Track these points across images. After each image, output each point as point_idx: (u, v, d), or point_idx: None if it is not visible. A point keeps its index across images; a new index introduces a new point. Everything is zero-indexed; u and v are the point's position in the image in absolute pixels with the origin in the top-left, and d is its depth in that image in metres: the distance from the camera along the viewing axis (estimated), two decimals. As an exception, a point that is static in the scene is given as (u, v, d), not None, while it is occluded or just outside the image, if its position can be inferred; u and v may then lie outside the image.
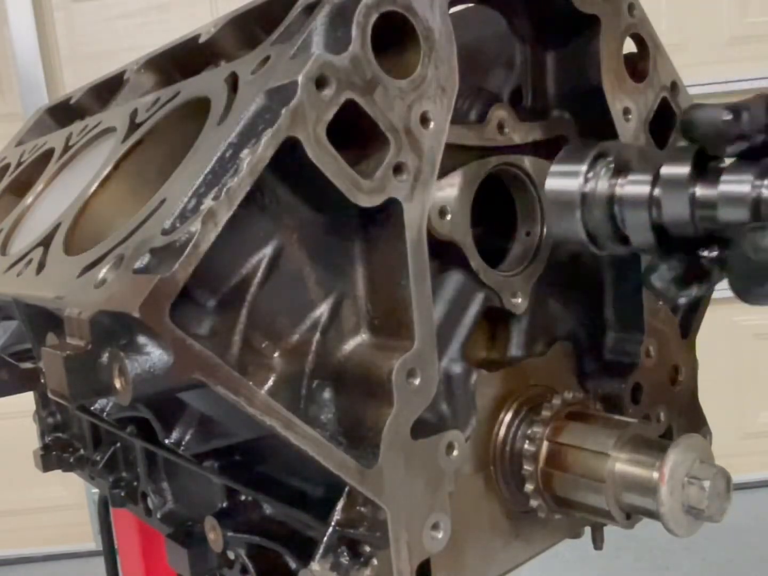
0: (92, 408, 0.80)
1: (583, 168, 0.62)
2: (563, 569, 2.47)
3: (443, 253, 0.65)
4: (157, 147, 0.73)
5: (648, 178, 0.59)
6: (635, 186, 0.60)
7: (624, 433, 0.64)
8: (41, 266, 0.65)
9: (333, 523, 0.58)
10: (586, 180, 0.62)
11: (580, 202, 0.62)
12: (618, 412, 0.75)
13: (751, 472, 3.11)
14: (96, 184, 0.74)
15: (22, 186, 0.95)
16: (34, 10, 2.84)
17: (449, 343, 0.67)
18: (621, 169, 0.61)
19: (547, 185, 0.64)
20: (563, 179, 0.63)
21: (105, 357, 0.48)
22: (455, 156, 0.65)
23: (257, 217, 0.57)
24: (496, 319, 0.72)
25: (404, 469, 0.58)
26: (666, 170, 0.58)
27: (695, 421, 0.84)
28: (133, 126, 0.78)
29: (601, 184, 0.62)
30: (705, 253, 0.59)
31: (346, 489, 0.58)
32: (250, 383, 0.51)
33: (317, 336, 0.60)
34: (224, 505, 0.75)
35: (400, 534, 0.58)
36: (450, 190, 0.65)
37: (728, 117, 0.54)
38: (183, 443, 0.68)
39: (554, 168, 0.64)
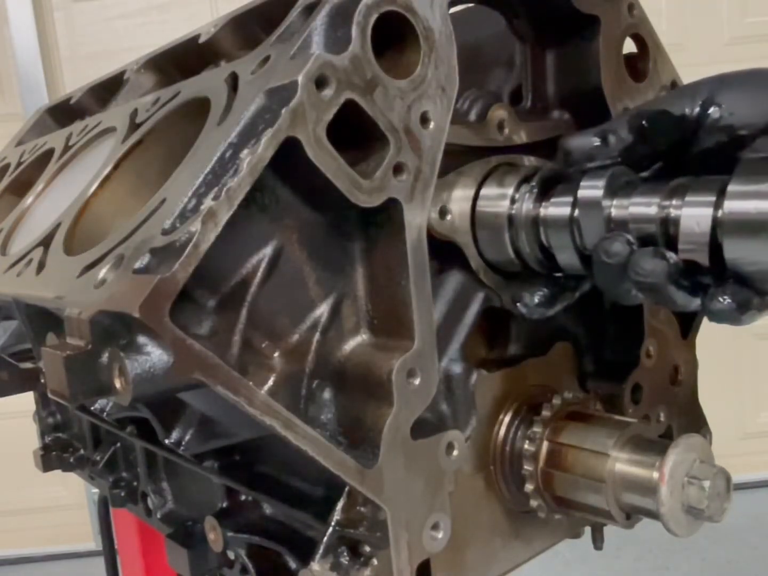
0: (92, 408, 0.80)
1: (510, 191, 0.63)
2: (563, 569, 2.48)
3: (443, 253, 0.65)
4: (157, 147, 0.73)
5: (569, 199, 0.60)
6: (557, 208, 0.61)
7: (624, 433, 0.64)
8: (41, 266, 0.65)
9: (333, 523, 0.58)
10: (513, 202, 0.63)
11: (508, 224, 0.63)
12: (618, 412, 0.75)
13: (751, 472, 3.12)
14: (96, 184, 0.74)
15: (22, 186, 0.95)
16: (34, 10, 2.84)
17: (449, 343, 0.67)
18: (546, 191, 0.62)
19: (477, 208, 0.65)
20: (491, 202, 0.64)
21: (105, 357, 0.48)
22: (455, 156, 0.65)
23: (257, 217, 0.57)
24: (496, 319, 0.72)
25: (404, 469, 0.58)
26: (582, 192, 0.59)
27: (695, 421, 0.84)
28: (133, 126, 0.78)
29: (527, 207, 0.62)
30: None
31: (346, 489, 0.58)
32: (250, 383, 0.51)
33: (317, 336, 0.60)
34: (224, 505, 0.75)
35: (400, 534, 0.58)
36: (450, 190, 0.65)
37: (596, 142, 0.56)
38: (183, 443, 0.68)
39: (483, 192, 0.65)
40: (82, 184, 0.76)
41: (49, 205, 0.84)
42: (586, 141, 0.58)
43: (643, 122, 0.57)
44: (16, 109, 2.88)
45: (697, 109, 0.56)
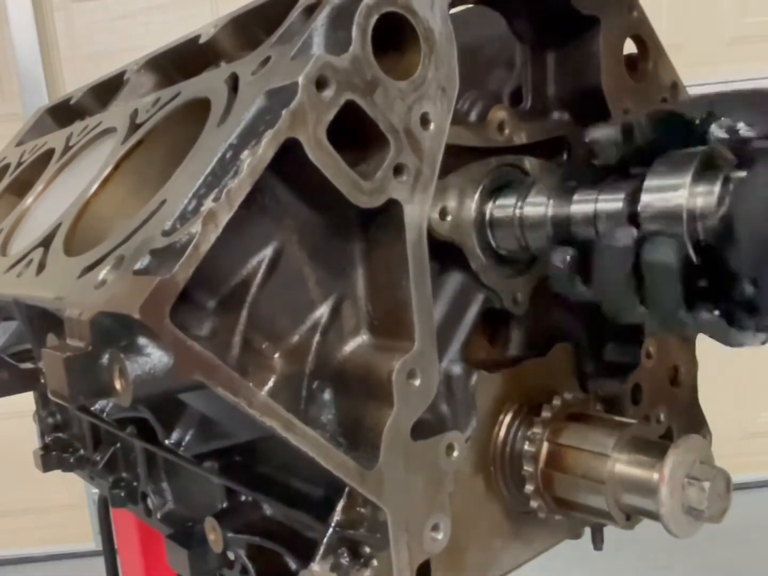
0: (92, 408, 0.80)
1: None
2: (563, 569, 2.47)
3: (443, 254, 0.65)
4: (158, 148, 0.73)
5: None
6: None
7: (624, 434, 0.64)
8: (41, 267, 0.65)
9: (333, 524, 0.58)
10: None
11: None
12: (618, 412, 0.75)
13: (751, 472, 3.12)
14: (96, 185, 0.74)
15: (22, 186, 0.95)
16: (34, 10, 2.84)
17: (449, 344, 0.67)
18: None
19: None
20: None
21: (105, 358, 0.48)
22: (455, 156, 0.65)
23: (257, 218, 0.57)
24: (496, 320, 0.72)
25: (404, 469, 0.58)
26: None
27: (695, 422, 0.84)
28: (134, 126, 0.78)
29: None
30: None
31: (346, 490, 0.58)
32: (250, 384, 0.51)
33: (317, 337, 0.60)
34: (224, 505, 0.75)
35: (400, 535, 0.58)
36: (450, 190, 0.65)
37: (621, 135, 0.57)
38: (183, 444, 0.68)
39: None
40: (82, 184, 0.76)
41: (49, 206, 0.84)
42: (612, 132, 0.58)
43: (659, 119, 0.57)
44: (16, 109, 2.88)
45: (702, 120, 0.56)
